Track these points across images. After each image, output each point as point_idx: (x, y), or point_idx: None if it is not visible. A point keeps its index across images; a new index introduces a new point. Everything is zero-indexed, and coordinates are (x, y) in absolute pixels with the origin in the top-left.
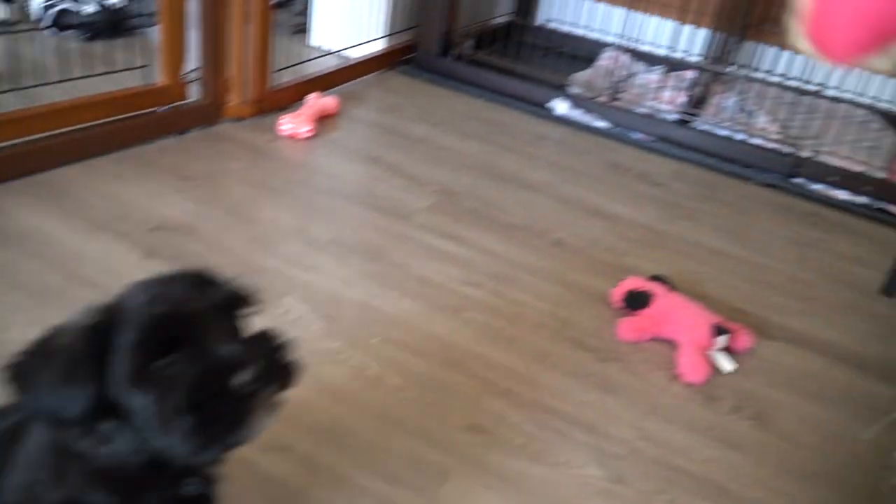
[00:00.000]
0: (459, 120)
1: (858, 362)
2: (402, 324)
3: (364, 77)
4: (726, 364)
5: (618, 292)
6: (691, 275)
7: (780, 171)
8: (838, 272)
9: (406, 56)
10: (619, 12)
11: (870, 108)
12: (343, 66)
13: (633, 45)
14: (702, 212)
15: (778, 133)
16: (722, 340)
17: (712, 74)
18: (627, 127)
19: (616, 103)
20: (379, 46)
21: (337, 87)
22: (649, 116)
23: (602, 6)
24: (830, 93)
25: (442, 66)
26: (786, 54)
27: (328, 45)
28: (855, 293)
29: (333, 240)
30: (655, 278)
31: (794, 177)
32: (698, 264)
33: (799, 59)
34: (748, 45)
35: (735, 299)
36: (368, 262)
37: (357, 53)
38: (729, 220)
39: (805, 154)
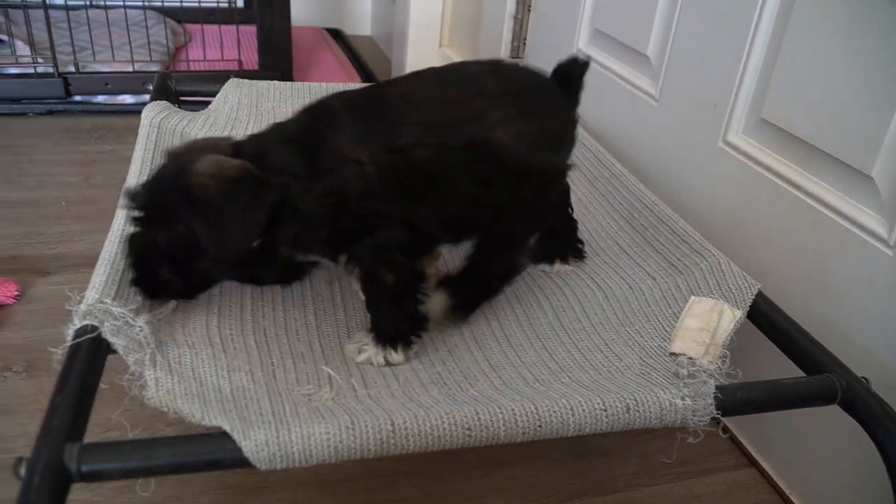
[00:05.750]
0: None
1: None
2: None
3: None
4: None
5: None
6: None
7: (55, 95)
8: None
9: None
10: None
11: (144, 7)
12: None
13: None
14: None
15: (38, 56)
16: None
17: None
18: None
19: None
20: None
21: None
22: None
23: None
24: (101, 2)
25: None
26: None
27: None
28: None
29: None
30: None
31: (71, 96)
32: None
33: None
34: None
35: (3, 249)
36: None
37: None
38: (2, 166)
39: (72, 69)
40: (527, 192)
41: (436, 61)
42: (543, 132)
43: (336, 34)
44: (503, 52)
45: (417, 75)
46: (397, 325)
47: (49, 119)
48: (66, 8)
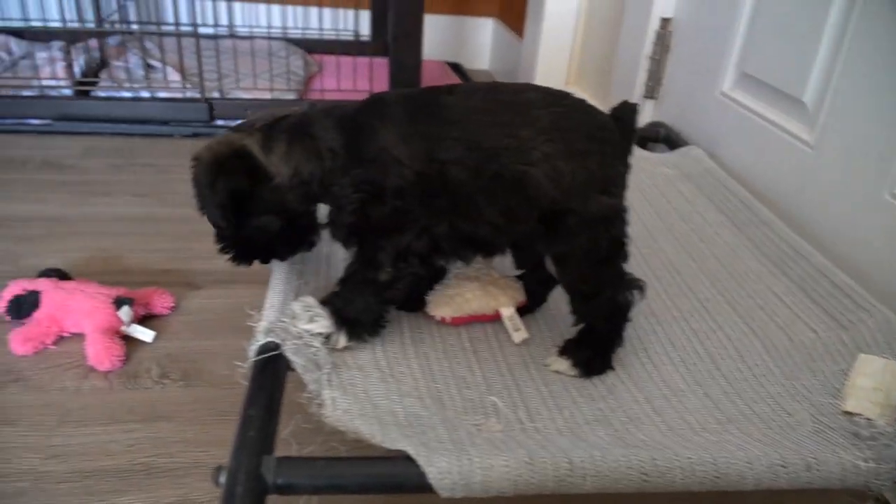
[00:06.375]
0: None
1: None
2: None
3: None
4: (144, 335)
5: None
6: (108, 253)
7: (199, 119)
8: None
9: None
10: None
11: (280, 38)
12: None
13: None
14: (118, 183)
15: (186, 81)
16: (125, 312)
17: (119, 37)
18: (18, 115)
19: None
20: None
21: None
22: (40, 97)
23: None
24: (242, 32)
25: None
26: (184, 3)
27: None
28: None
29: None
30: (44, 274)
31: (213, 120)
32: (116, 239)
33: (202, 5)
34: (142, 2)
35: (158, 262)
36: None
37: None
38: (150, 183)
39: (216, 95)
40: (579, 237)
41: None
42: (588, 175)
43: (455, 68)
44: (637, 92)
45: (475, 89)
46: (362, 313)
47: (193, 141)
48: (215, 37)
